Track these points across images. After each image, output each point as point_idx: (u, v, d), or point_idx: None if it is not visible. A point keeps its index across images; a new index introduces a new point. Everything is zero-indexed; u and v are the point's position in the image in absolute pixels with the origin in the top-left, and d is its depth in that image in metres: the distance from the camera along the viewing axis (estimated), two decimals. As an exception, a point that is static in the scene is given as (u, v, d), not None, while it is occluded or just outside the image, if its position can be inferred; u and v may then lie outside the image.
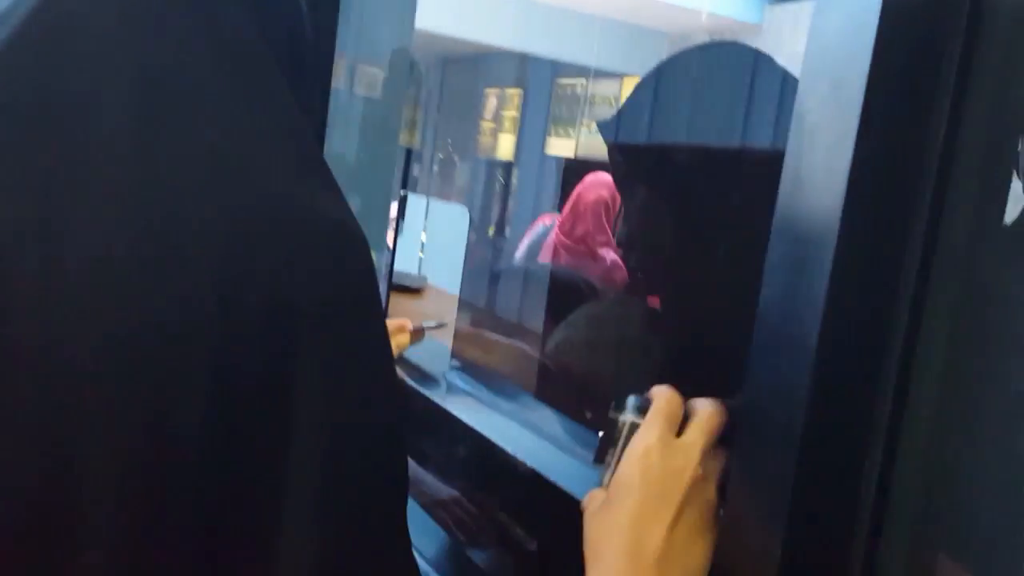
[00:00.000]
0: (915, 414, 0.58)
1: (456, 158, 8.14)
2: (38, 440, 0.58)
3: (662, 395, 0.72)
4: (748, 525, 0.62)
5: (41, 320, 0.58)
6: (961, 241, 0.57)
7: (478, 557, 1.18)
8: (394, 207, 1.26)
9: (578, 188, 2.35)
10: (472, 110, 8.00)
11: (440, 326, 1.16)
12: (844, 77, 0.58)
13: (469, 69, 8.14)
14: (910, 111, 0.58)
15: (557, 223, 2.34)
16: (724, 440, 0.68)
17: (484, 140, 7.79)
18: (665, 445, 0.68)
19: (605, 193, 2.23)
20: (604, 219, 2.21)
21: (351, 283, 0.65)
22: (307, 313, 0.62)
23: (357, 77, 2.44)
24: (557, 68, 6.73)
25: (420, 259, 1.32)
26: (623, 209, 1.10)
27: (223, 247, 0.61)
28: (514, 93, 7.51)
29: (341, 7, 1.52)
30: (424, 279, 1.21)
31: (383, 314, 0.72)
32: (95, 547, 0.59)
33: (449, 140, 8.27)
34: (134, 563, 0.60)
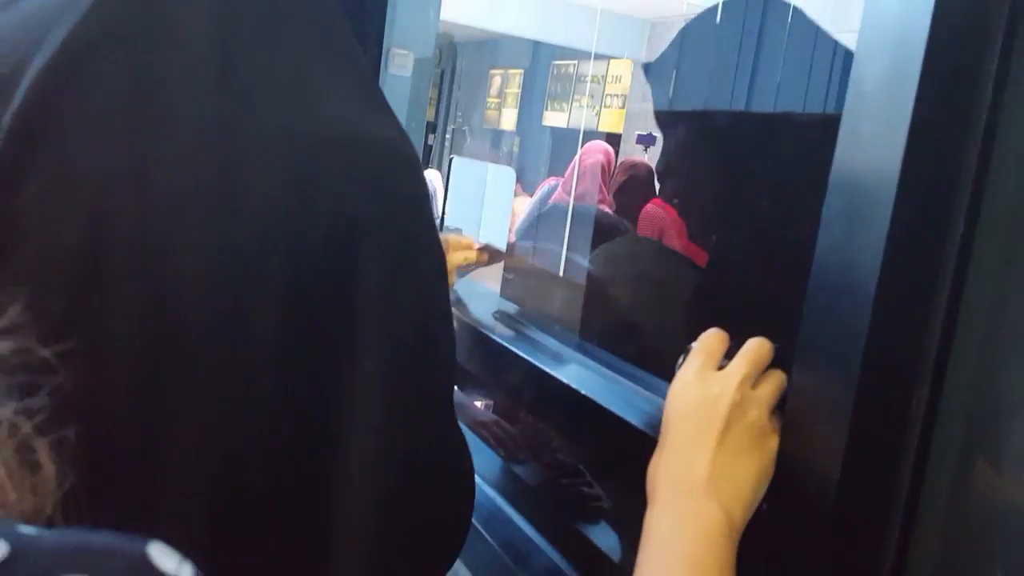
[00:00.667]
0: (960, 353, 0.54)
1: (466, 129, 8.07)
2: (140, 336, 0.55)
3: (704, 334, 0.68)
4: (808, 448, 0.58)
5: (138, 246, 0.55)
6: (1006, 201, 0.53)
7: (519, 471, 1.16)
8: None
9: (579, 153, 2.33)
10: (480, 88, 7.91)
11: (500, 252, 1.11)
12: (902, 53, 0.52)
13: (477, 52, 8.04)
14: (960, 81, 0.52)
15: (561, 183, 2.31)
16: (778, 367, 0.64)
17: (490, 114, 7.71)
18: (702, 378, 0.64)
19: (601, 157, 2.25)
20: (601, 179, 2.20)
21: (404, 195, 0.63)
22: (364, 221, 0.59)
23: (391, 58, 2.52)
24: (553, 51, 6.64)
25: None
26: (664, 146, 1.03)
27: (290, 170, 0.58)
28: (516, 73, 7.41)
29: None
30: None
31: (434, 224, 0.67)
32: (186, 425, 0.56)
33: (459, 113, 8.19)
34: (222, 443, 0.57)
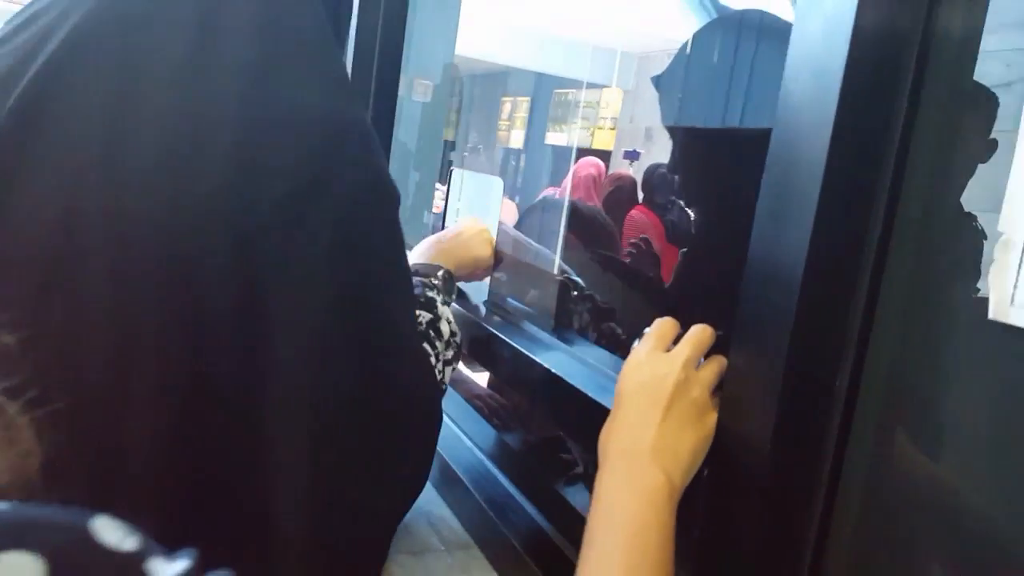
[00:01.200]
0: (879, 336, 0.52)
1: (480, 147, 8.05)
2: (106, 288, 0.52)
3: (658, 320, 0.67)
4: (743, 421, 0.56)
5: (107, 196, 0.52)
6: (921, 200, 0.50)
7: (508, 438, 1.14)
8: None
9: (574, 167, 2.38)
10: (493, 113, 7.90)
11: None
12: (824, 67, 0.50)
13: (491, 83, 8.05)
14: (876, 95, 0.50)
15: (558, 192, 2.43)
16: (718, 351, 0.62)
17: (501, 134, 7.70)
18: (652, 358, 0.63)
19: (593, 171, 2.32)
20: (592, 189, 2.22)
21: (350, 163, 0.59)
22: (311, 187, 0.55)
23: (414, 87, 2.55)
24: (555, 82, 6.62)
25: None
26: (673, 151, 0.99)
27: (243, 147, 0.55)
28: (523, 100, 7.40)
29: (408, 38, 1.51)
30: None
31: (381, 189, 0.64)
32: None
33: (475, 134, 8.18)
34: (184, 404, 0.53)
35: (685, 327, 0.66)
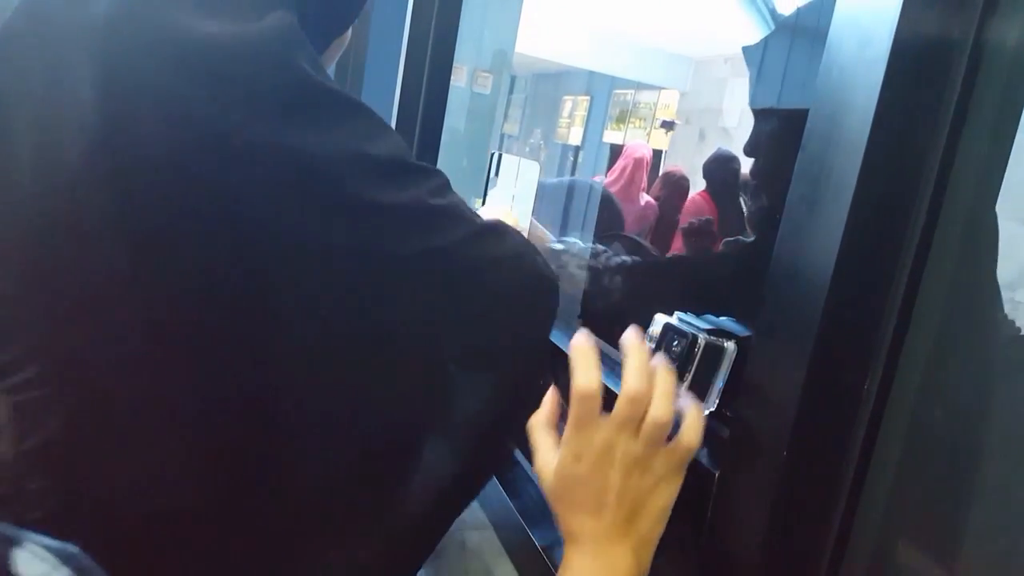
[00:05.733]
0: (913, 342, 0.45)
1: (542, 143, 8.00)
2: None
3: (572, 401, 0.54)
4: (760, 421, 0.50)
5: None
6: (966, 200, 0.43)
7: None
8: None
9: (625, 150, 2.48)
10: (554, 111, 7.85)
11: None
12: (870, 35, 0.43)
13: (553, 82, 7.98)
14: (925, 77, 0.43)
15: (606, 177, 2.45)
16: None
17: (561, 131, 7.64)
18: (576, 442, 0.54)
19: (643, 153, 2.40)
20: (642, 170, 2.30)
21: (270, 89, 0.52)
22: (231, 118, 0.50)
23: (475, 78, 2.59)
24: (615, 82, 6.52)
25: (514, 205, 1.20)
26: (755, 131, 0.90)
27: (174, 80, 0.50)
28: (584, 99, 7.32)
29: (469, 30, 1.49)
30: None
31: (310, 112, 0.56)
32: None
33: (538, 130, 8.11)
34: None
35: (730, 310, 0.58)
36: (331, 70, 0.59)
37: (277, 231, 0.51)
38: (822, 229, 0.44)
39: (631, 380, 0.49)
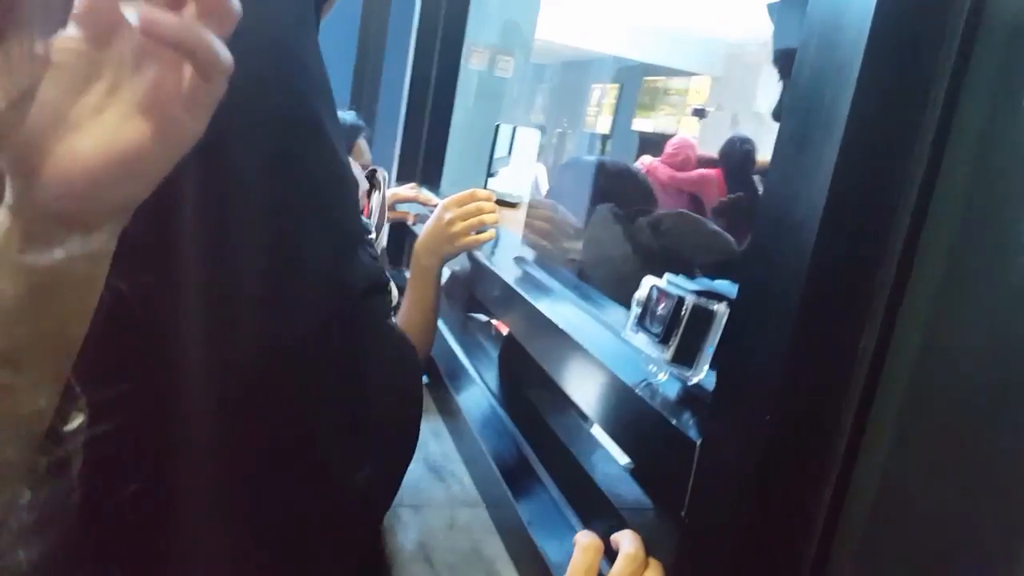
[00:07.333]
0: (913, 303, 0.40)
1: (569, 131, 7.91)
2: None
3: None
4: (739, 395, 0.45)
5: None
6: (964, 170, 0.38)
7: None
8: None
9: (676, 141, 2.80)
10: (582, 99, 7.75)
11: (518, 202, 1.00)
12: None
13: (581, 70, 7.87)
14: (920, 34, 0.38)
15: (662, 156, 2.77)
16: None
17: (589, 120, 7.54)
18: None
19: (691, 151, 2.73)
20: (694, 151, 2.71)
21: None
22: None
23: (496, 63, 2.57)
24: (645, 69, 6.40)
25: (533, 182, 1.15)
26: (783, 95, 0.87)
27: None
28: (613, 87, 7.21)
29: (488, 13, 1.48)
30: (520, 198, 1.06)
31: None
32: None
33: (565, 119, 8.01)
34: None
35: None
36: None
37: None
38: (812, 167, 0.40)
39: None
